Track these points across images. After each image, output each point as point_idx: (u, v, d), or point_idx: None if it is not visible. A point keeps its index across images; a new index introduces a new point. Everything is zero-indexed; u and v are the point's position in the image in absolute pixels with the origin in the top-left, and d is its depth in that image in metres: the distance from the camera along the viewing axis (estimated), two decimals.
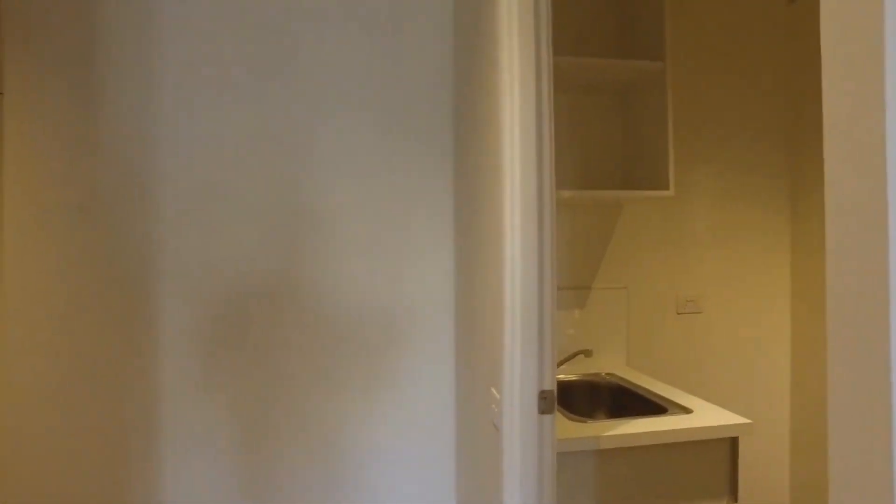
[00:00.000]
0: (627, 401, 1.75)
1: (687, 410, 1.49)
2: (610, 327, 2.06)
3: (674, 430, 1.35)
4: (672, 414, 1.47)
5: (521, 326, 1.15)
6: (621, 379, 1.87)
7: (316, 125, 1.78)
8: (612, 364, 2.06)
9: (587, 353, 1.82)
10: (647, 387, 1.75)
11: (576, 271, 2.05)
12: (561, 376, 1.90)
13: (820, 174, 2.08)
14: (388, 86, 1.83)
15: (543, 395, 1.16)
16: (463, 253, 1.71)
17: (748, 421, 1.40)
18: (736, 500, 1.43)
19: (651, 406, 1.61)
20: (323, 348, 1.78)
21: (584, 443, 1.30)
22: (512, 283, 1.16)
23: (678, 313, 2.15)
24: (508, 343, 1.17)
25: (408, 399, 1.84)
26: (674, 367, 2.14)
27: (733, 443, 1.42)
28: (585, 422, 1.42)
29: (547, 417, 1.16)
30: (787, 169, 2.24)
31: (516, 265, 1.16)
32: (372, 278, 1.81)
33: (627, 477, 1.36)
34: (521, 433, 1.15)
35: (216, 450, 1.72)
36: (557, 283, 1.22)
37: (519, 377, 1.15)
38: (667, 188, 1.79)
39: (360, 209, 1.81)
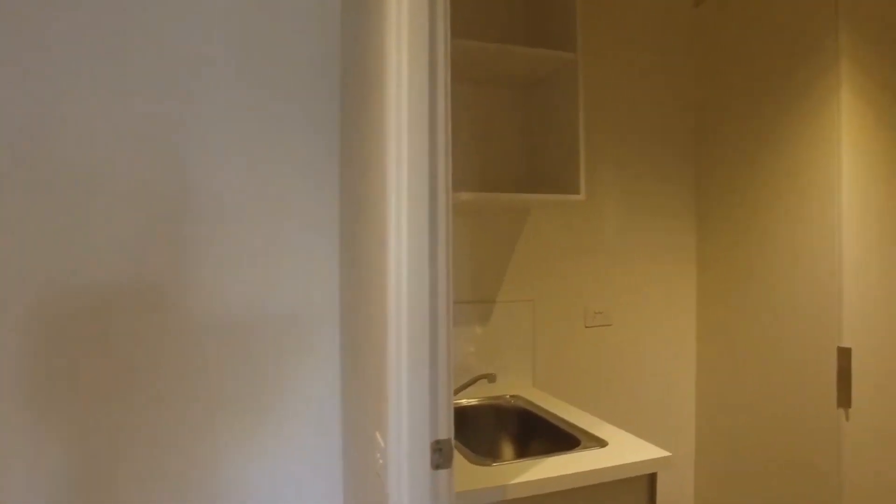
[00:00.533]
0: (535, 428, 1.57)
1: (601, 443, 1.32)
2: (515, 344, 1.88)
3: (589, 472, 1.17)
4: (585, 448, 1.30)
5: (409, 359, 0.92)
6: (528, 402, 1.69)
7: (183, 116, 1.46)
8: (517, 384, 1.88)
9: (490, 378, 1.62)
10: (556, 412, 1.58)
11: (477, 283, 1.85)
12: (462, 401, 1.69)
13: (721, 183, 2.03)
14: (262, 76, 1.54)
15: (438, 447, 0.93)
16: (347, 262, 1.45)
17: (667, 454, 1.26)
18: None
19: (562, 437, 1.43)
20: (184, 376, 1.46)
21: (488, 494, 1.09)
22: (398, 302, 0.93)
23: (587, 326, 2.02)
24: (393, 380, 0.93)
25: (290, 431, 1.55)
26: (582, 385, 2.00)
27: (651, 478, 1.27)
28: (489, 465, 1.21)
29: (442, 473, 0.94)
30: (694, 177, 2.17)
31: (403, 281, 0.92)
32: (241, 287, 1.51)
33: None
34: (410, 494, 0.92)
35: None
36: (455, 298, 1.00)
37: (407, 424, 0.92)
38: (577, 192, 1.64)
39: (230, 209, 1.50)
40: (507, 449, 1.65)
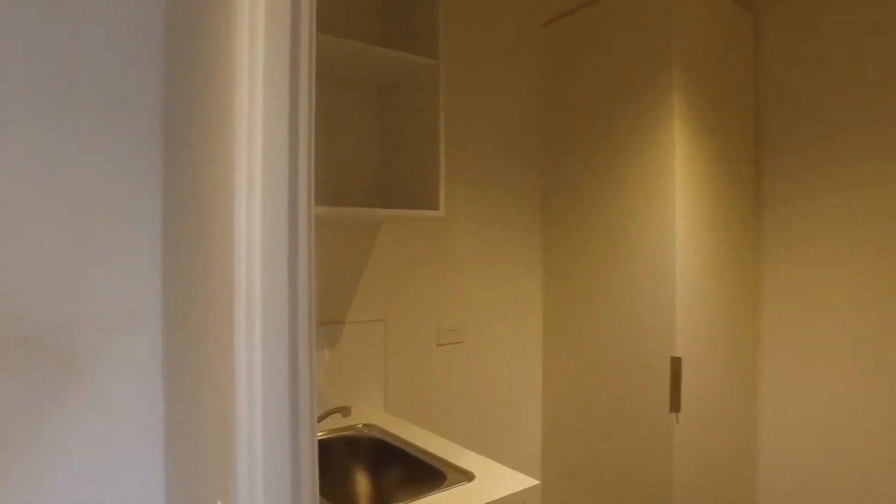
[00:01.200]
0: (393, 460, 1.45)
1: (468, 476, 1.24)
2: (366, 367, 1.74)
3: None
4: (452, 484, 1.20)
5: (264, 421, 0.75)
6: (382, 431, 1.56)
7: None
8: (369, 411, 1.74)
9: (345, 412, 1.46)
10: (414, 440, 1.47)
11: (324, 304, 1.69)
12: None
13: (566, 199, 2.09)
14: (64, 63, 1.22)
15: None
16: (174, 276, 1.20)
17: (535, 482, 1.21)
18: None
19: (425, 470, 1.33)
20: None
21: None
22: (249, 343, 0.75)
23: (438, 344, 1.94)
24: (244, 443, 0.75)
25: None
26: (435, 405, 1.92)
27: None
28: None
29: None
30: (542, 193, 2.22)
31: (256, 318, 0.75)
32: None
33: None
34: None
35: None
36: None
37: (262, 496, 0.74)
38: (436, 208, 1.55)
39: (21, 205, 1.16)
40: (364, 486, 1.51)
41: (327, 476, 1.47)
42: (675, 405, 1.77)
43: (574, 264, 2.08)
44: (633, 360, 1.88)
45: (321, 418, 1.50)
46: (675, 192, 1.76)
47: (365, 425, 1.61)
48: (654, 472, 1.81)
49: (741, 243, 2.03)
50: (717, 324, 1.92)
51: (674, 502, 1.77)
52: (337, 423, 1.62)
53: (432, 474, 1.30)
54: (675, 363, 1.77)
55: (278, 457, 0.75)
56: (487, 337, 2.06)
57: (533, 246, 2.20)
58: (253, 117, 0.74)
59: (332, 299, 1.69)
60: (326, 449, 1.50)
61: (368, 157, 1.75)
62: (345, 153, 1.70)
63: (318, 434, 1.52)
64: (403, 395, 1.84)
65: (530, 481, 1.21)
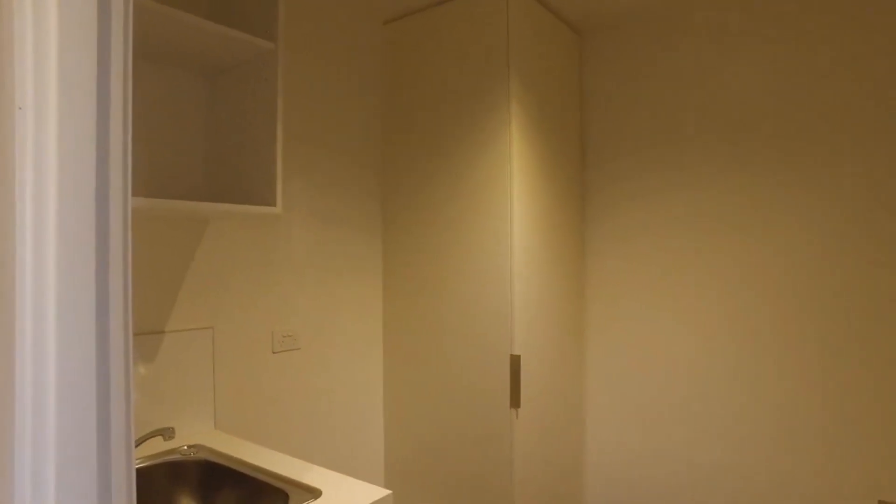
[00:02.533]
0: (226, 484, 1.30)
1: (314, 493, 1.15)
2: (191, 381, 1.56)
3: None
4: (299, 503, 1.10)
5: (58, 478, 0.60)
6: (212, 452, 1.39)
7: None
8: (196, 431, 1.55)
9: (167, 434, 1.27)
10: (250, 459, 1.33)
11: (141, 310, 1.47)
12: None
13: (405, 201, 2.07)
14: None
15: None
16: None
17: (387, 492, 1.16)
18: None
19: (264, 491, 1.21)
20: None
21: None
22: (35, 354, 0.60)
23: (274, 352, 1.81)
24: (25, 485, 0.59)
25: None
26: (272, 418, 1.78)
27: None
28: None
29: None
30: (380, 194, 2.18)
31: (49, 319, 0.60)
32: None
33: None
34: None
35: None
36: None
37: None
38: (273, 203, 1.43)
39: None
40: None
41: None
42: (515, 401, 1.84)
43: (414, 266, 2.07)
44: (473, 360, 1.91)
45: (137, 443, 1.29)
46: (513, 196, 1.82)
47: (191, 447, 1.42)
48: (496, 467, 1.86)
49: (570, 245, 2.18)
50: (550, 322, 2.04)
51: (515, 495, 1.83)
52: (157, 447, 1.42)
53: (273, 494, 1.18)
54: (515, 361, 1.84)
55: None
56: (326, 342, 1.97)
57: (372, 247, 2.15)
58: (42, 65, 0.59)
59: (148, 305, 1.48)
60: (145, 479, 1.30)
61: (194, 146, 1.56)
62: (165, 140, 1.50)
63: (137, 462, 1.32)
64: (235, 409, 1.68)
65: (381, 491, 1.15)
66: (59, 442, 0.59)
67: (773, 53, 1.88)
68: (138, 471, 1.32)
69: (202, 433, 1.56)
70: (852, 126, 1.76)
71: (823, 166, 1.80)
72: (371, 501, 1.11)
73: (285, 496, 1.14)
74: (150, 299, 1.49)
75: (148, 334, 1.47)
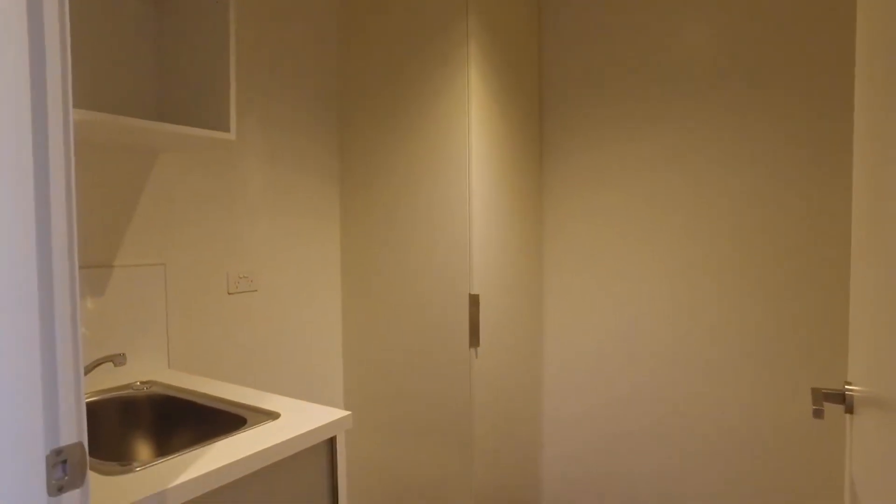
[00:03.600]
0: (184, 417, 1.27)
1: (272, 415, 1.13)
2: (143, 319, 1.50)
3: (270, 449, 0.97)
4: (256, 424, 1.08)
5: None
6: (167, 387, 1.36)
7: None
8: (149, 368, 1.51)
9: (118, 360, 1.23)
10: (207, 391, 1.30)
11: (87, 243, 1.41)
12: None
13: (363, 143, 2.03)
14: None
15: (59, 458, 0.60)
16: None
17: (346, 413, 1.14)
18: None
19: (222, 419, 1.18)
20: None
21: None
22: None
23: (230, 293, 1.76)
24: None
25: None
26: (229, 359, 1.75)
27: (331, 442, 1.14)
28: (131, 468, 0.88)
29: (70, 497, 0.61)
30: (337, 135, 2.12)
31: None
32: None
33: None
34: None
35: None
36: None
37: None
38: (226, 129, 1.37)
39: None
40: (148, 452, 1.30)
41: (99, 446, 1.24)
42: (474, 340, 1.84)
43: (372, 208, 2.03)
44: (433, 299, 1.91)
45: (87, 370, 1.25)
46: (471, 137, 1.80)
47: (144, 382, 1.38)
48: (456, 404, 1.87)
49: (528, 190, 2.18)
50: (508, 264, 2.04)
51: (475, 432, 1.85)
52: (110, 381, 1.37)
53: (231, 421, 1.16)
54: (474, 300, 1.84)
55: (21, 399, 0.57)
56: (284, 284, 1.93)
57: (329, 189, 2.10)
58: None
59: (95, 238, 1.42)
60: (95, 414, 1.25)
61: (143, 65, 1.48)
62: (111, 55, 1.41)
63: (89, 397, 1.27)
64: (190, 349, 1.63)
65: (339, 412, 1.14)
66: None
67: (727, 4, 1.89)
68: (88, 406, 1.27)
69: (156, 371, 1.51)
70: (784, 73, 1.79)
71: (762, 113, 1.83)
72: (330, 421, 1.09)
73: (243, 421, 1.12)
74: (97, 232, 1.42)
75: (95, 267, 1.41)
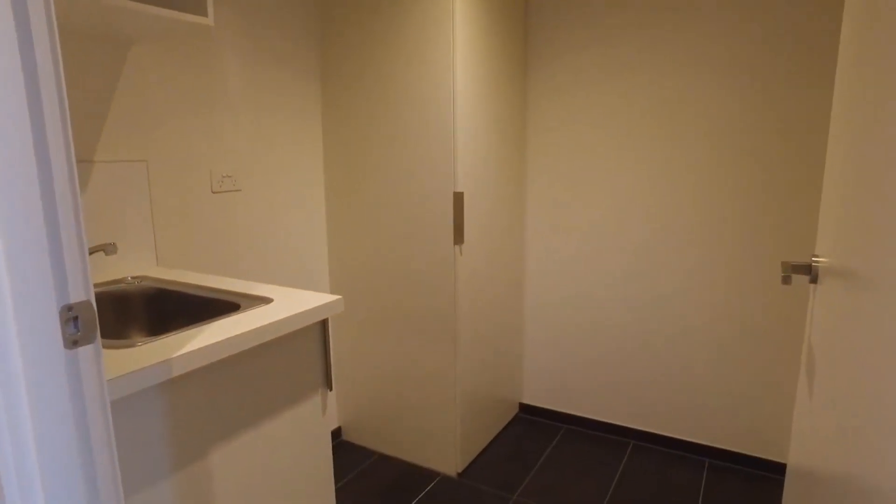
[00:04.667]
0: (180, 309, 1.30)
1: (265, 300, 1.17)
2: (128, 215, 1.50)
3: (267, 326, 1.01)
4: (249, 308, 1.12)
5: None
6: (158, 281, 1.38)
7: None
8: (138, 265, 1.53)
9: (109, 249, 1.24)
10: (200, 283, 1.33)
11: None
12: None
13: (346, 37, 1.96)
14: None
15: (71, 314, 0.63)
16: None
17: (338, 297, 1.19)
18: (330, 387, 1.22)
19: (216, 307, 1.22)
20: None
21: (149, 375, 0.82)
22: None
23: (214, 192, 1.75)
24: None
25: None
26: (216, 257, 1.77)
27: (323, 325, 1.19)
28: (133, 344, 0.92)
29: (85, 352, 0.65)
30: (318, 32, 2.04)
31: None
32: None
33: (208, 403, 0.96)
34: (32, 393, 0.61)
35: None
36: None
37: (8, 284, 0.58)
38: (203, 13, 1.32)
39: None
40: (143, 336, 1.34)
41: None
42: (458, 238, 1.88)
43: (355, 106, 2.00)
44: (418, 197, 1.92)
45: None
46: (455, 35, 1.75)
47: (135, 277, 1.40)
48: (441, 300, 1.94)
49: (512, 91, 2.15)
50: (492, 163, 2.05)
51: (459, 325, 1.92)
52: (99, 275, 1.39)
53: (223, 307, 1.19)
54: (458, 198, 1.86)
55: (30, 251, 0.59)
56: (267, 183, 1.92)
57: (310, 87, 2.05)
58: None
59: (74, 132, 1.38)
60: None
61: None
62: None
63: None
64: (178, 246, 1.65)
65: (331, 297, 1.18)
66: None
67: None
68: None
69: (145, 268, 1.53)
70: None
71: (741, 13, 1.81)
72: (322, 303, 1.14)
73: (236, 306, 1.16)
74: (75, 126, 1.39)
75: (77, 162, 1.38)
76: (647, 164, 2.07)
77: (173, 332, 0.96)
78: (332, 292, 2.21)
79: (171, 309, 1.32)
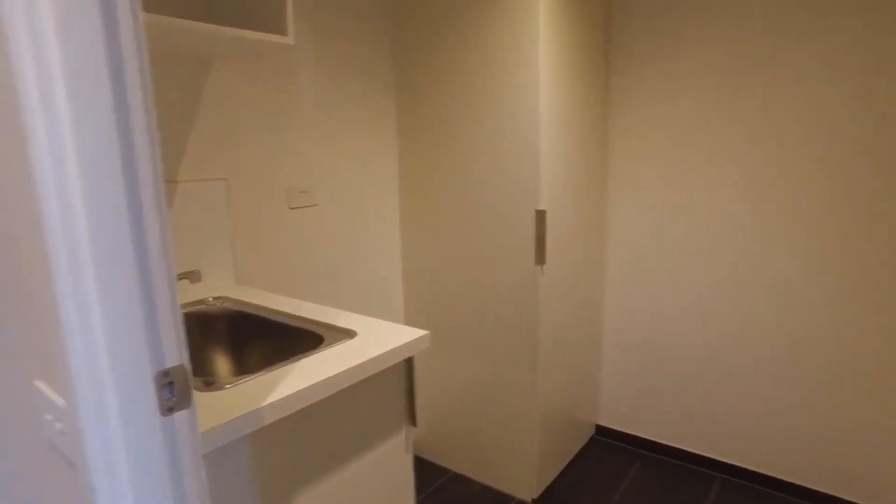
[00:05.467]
0: (260, 333, 1.27)
1: (349, 334, 1.12)
2: (210, 234, 1.49)
3: (356, 367, 0.96)
4: (334, 343, 1.07)
5: (94, 245, 0.53)
6: (238, 303, 1.36)
7: None
8: (218, 283, 1.52)
9: (193, 277, 1.22)
10: (279, 308, 1.30)
11: None
12: None
13: (419, 52, 1.89)
14: None
15: (167, 379, 0.59)
16: None
17: (424, 332, 1.12)
18: (415, 423, 1.17)
19: (297, 336, 1.18)
20: None
21: (238, 427, 0.78)
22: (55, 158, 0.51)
23: (291, 208, 1.73)
24: (66, 285, 0.53)
25: None
26: (293, 273, 1.75)
27: (408, 361, 1.13)
28: (220, 386, 0.88)
29: (180, 417, 0.60)
30: (392, 41, 1.99)
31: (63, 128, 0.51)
32: None
33: (293, 449, 0.91)
34: (132, 460, 0.57)
35: None
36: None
37: (106, 354, 0.54)
38: (283, 32, 1.28)
39: None
40: (227, 367, 1.32)
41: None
42: (540, 258, 1.79)
43: (432, 120, 1.94)
44: (497, 215, 1.84)
45: None
46: (540, 43, 1.65)
47: (216, 298, 1.39)
48: (521, 323, 1.85)
49: (595, 101, 2.04)
50: (574, 178, 1.94)
51: (540, 346, 1.83)
52: (182, 295, 1.38)
53: (306, 338, 1.15)
54: (540, 216, 1.77)
55: (120, 311, 0.55)
56: (342, 198, 1.89)
57: (385, 100, 2.01)
58: None
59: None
60: None
61: None
62: None
63: None
64: (256, 263, 1.63)
65: (417, 332, 1.12)
66: (96, 255, 0.52)
67: None
68: None
69: (225, 286, 1.52)
70: None
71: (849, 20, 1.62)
72: (409, 340, 1.07)
73: (319, 339, 1.11)
74: (163, 145, 1.38)
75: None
76: (741, 177, 1.91)
77: (260, 372, 0.92)
78: (406, 310, 2.16)
79: (253, 333, 1.29)
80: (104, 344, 0.54)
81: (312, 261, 1.80)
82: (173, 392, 0.59)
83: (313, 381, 0.89)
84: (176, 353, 0.59)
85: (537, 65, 1.66)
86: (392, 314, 2.13)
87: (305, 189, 1.76)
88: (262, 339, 1.27)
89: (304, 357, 1.00)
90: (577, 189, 1.96)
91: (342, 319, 1.20)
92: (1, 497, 0.88)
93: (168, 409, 0.59)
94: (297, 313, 1.25)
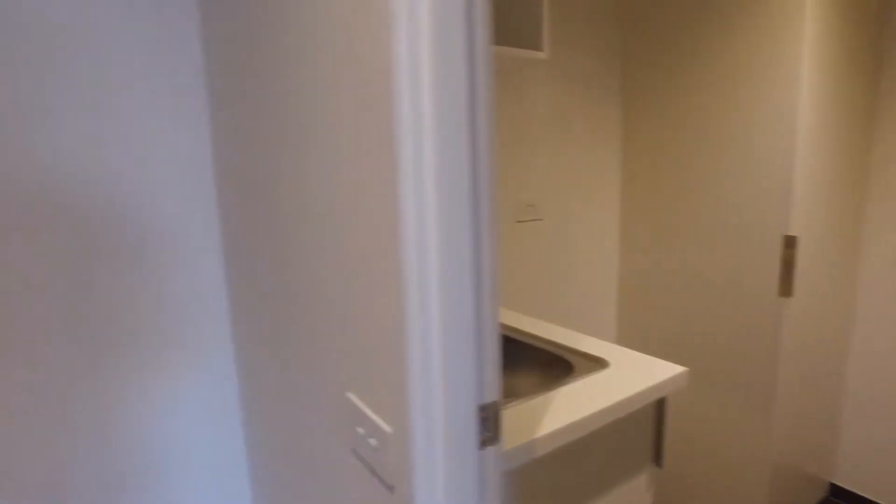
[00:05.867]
0: (508, 352, 1.26)
1: (601, 363, 1.07)
2: None
3: (616, 405, 0.91)
4: (586, 372, 1.03)
5: (442, 282, 0.54)
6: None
7: None
8: None
9: None
10: (522, 327, 1.30)
11: None
12: None
13: (650, 56, 1.76)
14: None
15: (483, 414, 0.59)
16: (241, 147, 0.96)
17: (683, 368, 1.04)
18: (660, 465, 1.09)
19: (545, 359, 1.16)
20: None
21: (514, 457, 0.78)
22: (420, 206, 0.53)
23: (518, 221, 1.73)
24: (416, 313, 0.55)
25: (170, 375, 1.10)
26: (521, 286, 1.75)
27: (660, 401, 1.06)
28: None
29: (490, 451, 0.60)
30: (619, 50, 1.90)
31: (428, 177, 0.53)
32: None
33: (546, 487, 0.89)
34: (451, 495, 0.58)
35: None
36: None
37: (442, 384, 0.55)
38: (539, 48, 1.28)
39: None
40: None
41: None
42: (785, 289, 1.58)
43: (658, 134, 1.81)
44: (731, 238, 1.67)
45: None
46: (803, 50, 1.45)
47: None
48: (756, 361, 1.66)
49: (860, 111, 1.76)
50: (829, 201, 1.69)
51: (779, 390, 1.63)
52: None
53: (555, 363, 1.13)
54: (789, 242, 1.56)
55: (459, 356, 0.56)
56: (565, 213, 1.85)
57: (610, 112, 1.92)
58: None
59: None
60: None
61: None
62: None
63: None
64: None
65: (675, 367, 1.04)
66: (443, 293, 0.54)
67: None
68: None
69: None
70: None
71: None
72: (668, 377, 1.00)
73: (569, 366, 1.08)
74: None
75: None
76: None
77: (522, 399, 0.92)
78: (618, 333, 2.07)
79: (508, 350, 1.28)
80: (440, 373, 0.55)
81: (533, 275, 1.79)
82: (486, 427, 0.59)
83: (578, 418, 0.86)
84: (495, 389, 0.59)
85: (800, 73, 1.47)
86: (603, 336, 2.05)
87: (532, 202, 1.76)
88: (513, 360, 1.26)
89: (562, 387, 0.97)
90: (831, 212, 1.71)
91: (589, 345, 1.16)
92: (295, 483, 0.98)
93: (482, 443, 0.59)
94: (542, 335, 1.23)
